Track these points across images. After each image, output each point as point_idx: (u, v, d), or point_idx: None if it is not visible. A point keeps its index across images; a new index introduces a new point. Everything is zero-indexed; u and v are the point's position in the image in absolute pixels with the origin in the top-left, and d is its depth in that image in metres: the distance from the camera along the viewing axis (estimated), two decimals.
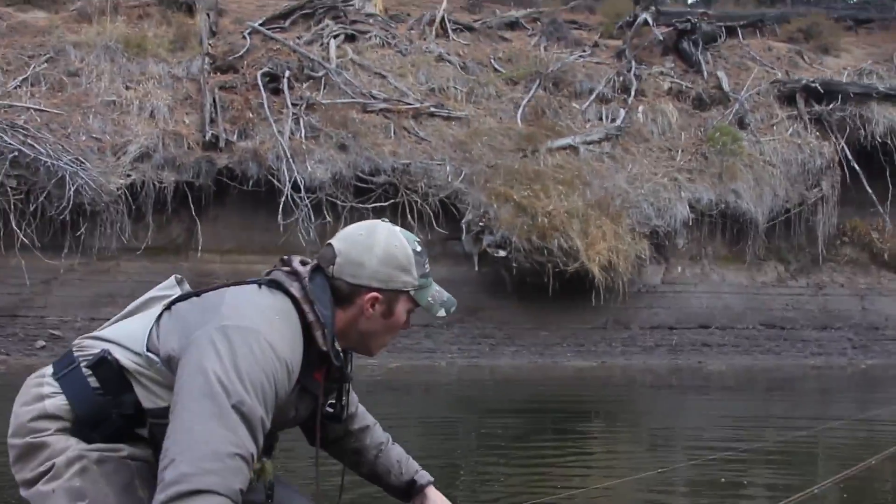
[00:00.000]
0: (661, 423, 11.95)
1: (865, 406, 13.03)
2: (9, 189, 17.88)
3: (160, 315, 3.28)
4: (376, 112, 20.92)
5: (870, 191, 22.73)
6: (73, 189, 17.80)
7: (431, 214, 19.29)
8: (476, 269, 19.19)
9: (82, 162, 18.22)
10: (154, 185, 18.78)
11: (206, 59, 21.02)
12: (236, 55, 21.46)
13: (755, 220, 21.42)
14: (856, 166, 22.73)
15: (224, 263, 18.76)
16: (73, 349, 3.28)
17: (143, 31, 21.82)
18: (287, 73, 20.89)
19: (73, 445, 3.10)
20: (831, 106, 23.23)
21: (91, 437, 3.13)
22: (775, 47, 26.24)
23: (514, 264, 18.81)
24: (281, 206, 18.62)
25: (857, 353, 19.97)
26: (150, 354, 3.15)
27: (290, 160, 19.06)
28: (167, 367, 3.09)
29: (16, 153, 17.89)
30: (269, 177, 19.06)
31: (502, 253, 18.76)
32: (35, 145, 18.06)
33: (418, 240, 3.48)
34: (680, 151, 22.16)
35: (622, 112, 22.59)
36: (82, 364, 3.19)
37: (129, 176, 18.70)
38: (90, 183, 18.00)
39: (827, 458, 9.13)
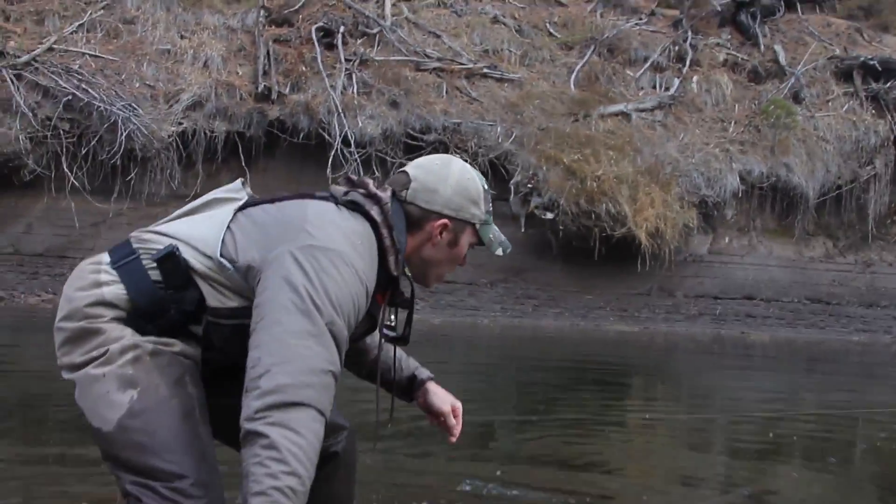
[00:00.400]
0: (700, 382, 11.92)
1: None
2: (62, 132, 18.09)
3: (231, 219, 3.24)
4: (429, 71, 20.93)
5: None
6: (124, 134, 17.98)
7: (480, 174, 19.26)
8: (522, 230, 19.16)
9: (135, 108, 18.36)
10: (205, 133, 18.92)
11: (262, 12, 21.05)
12: (292, 9, 21.47)
13: (805, 195, 21.29)
14: None
15: None
16: (132, 241, 3.23)
17: None
18: (342, 29, 20.90)
19: (129, 335, 3.08)
20: (889, 84, 22.97)
21: (145, 330, 3.12)
22: (834, 23, 25.92)
23: (560, 227, 18.80)
24: (330, 160, 18.67)
25: None
26: (223, 260, 3.12)
27: (342, 115, 19.11)
28: (243, 277, 3.09)
29: (70, 97, 18.10)
30: (320, 130, 19.14)
31: (550, 215, 18.75)
32: (89, 90, 18.24)
33: (485, 180, 3.50)
34: (733, 123, 22.02)
35: (676, 81, 22.46)
36: (143, 256, 3.16)
37: (180, 124, 18.84)
38: (142, 129, 18.16)
39: (864, 424, 9.08)
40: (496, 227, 3.53)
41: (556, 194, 18.85)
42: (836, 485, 5.93)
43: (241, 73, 19.98)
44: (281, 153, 19.47)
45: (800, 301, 20.57)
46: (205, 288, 3.12)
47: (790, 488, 5.45)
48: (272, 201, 3.30)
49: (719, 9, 24.65)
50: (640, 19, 24.43)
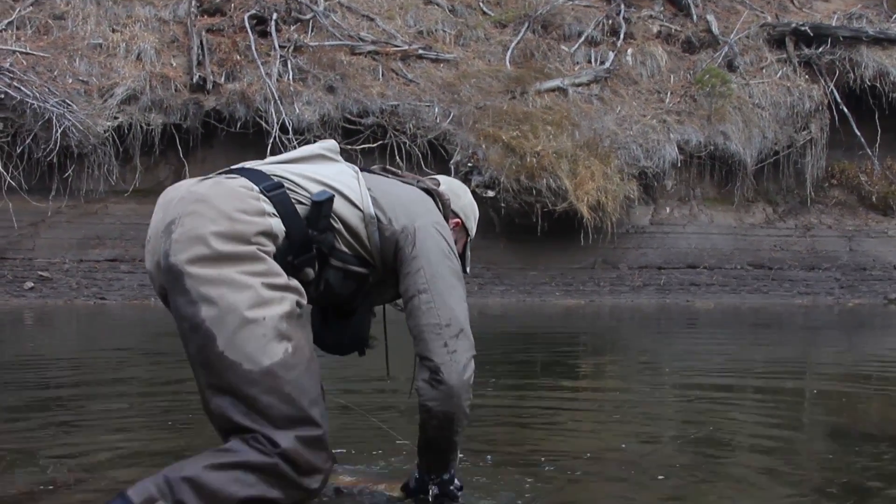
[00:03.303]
0: (646, 347, 11.99)
1: (852, 342, 13.16)
2: None
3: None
4: (364, 54, 20.90)
5: (858, 133, 22.77)
6: (59, 131, 17.79)
7: (420, 156, 19.33)
8: None
9: (69, 104, 18.18)
10: (141, 127, 18.78)
11: (193, 2, 20.89)
12: None
13: (744, 162, 21.52)
14: (844, 109, 22.77)
15: None
16: (267, 173, 3.45)
17: None
18: (274, 16, 20.80)
19: (285, 277, 3.28)
20: (821, 49, 23.23)
21: (284, 264, 3.32)
22: None
23: (502, 205, 18.86)
24: (269, 148, 18.55)
25: (843, 292, 20.08)
26: (375, 217, 3.52)
27: (278, 102, 19.05)
28: (392, 236, 3.53)
29: (2, 96, 17.87)
30: (258, 119, 19.08)
31: (491, 193, 18.79)
32: (21, 88, 18.01)
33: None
34: (669, 94, 22.18)
35: (611, 55, 22.58)
36: (290, 191, 3.39)
37: (116, 118, 18.68)
38: (77, 125, 17.98)
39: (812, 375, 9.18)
40: None
41: (497, 172, 18.91)
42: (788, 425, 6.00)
43: (175, 65, 19.84)
44: (219, 143, 19.38)
45: (742, 267, 20.78)
46: (340, 235, 3.48)
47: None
48: (379, 174, 3.81)
49: None
50: None
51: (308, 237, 3.35)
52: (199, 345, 3.15)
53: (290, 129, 18.82)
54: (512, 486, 4.24)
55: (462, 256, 3.94)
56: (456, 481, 3.81)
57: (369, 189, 3.55)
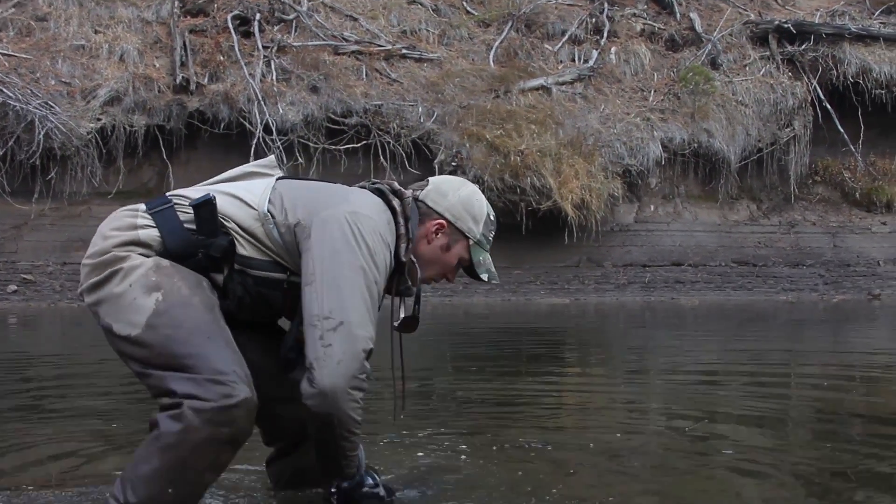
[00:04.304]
0: (633, 343, 11.99)
1: (837, 337, 13.18)
2: None
3: (273, 184, 3.53)
4: (348, 54, 20.89)
5: (842, 130, 22.86)
6: (42, 133, 17.74)
7: (404, 155, 19.34)
8: None
9: (52, 106, 18.13)
10: (125, 128, 18.76)
11: (176, 3, 20.84)
12: None
13: (727, 160, 21.58)
14: (828, 106, 22.86)
15: None
16: (168, 196, 3.48)
17: None
18: (258, 16, 20.78)
19: (152, 258, 3.34)
20: (804, 46, 23.33)
21: None
22: None
23: None
24: (253, 149, 18.53)
25: (828, 288, 20.15)
26: (268, 213, 3.41)
27: (262, 103, 19.03)
28: (287, 232, 3.40)
29: None
30: (241, 119, 19.06)
31: None
32: (3, 90, 17.97)
33: (494, 213, 3.82)
34: (652, 92, 22.23)
35: (594, 53, 22.60)
36: (177, 205, 3.40)
37: (99, 120, 18.64)
38: (60, 127, 17.93)
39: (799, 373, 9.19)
40: (490, 258, 3.75)
41: (481, 171, 18.92)
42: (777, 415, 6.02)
43: (158, 66, 19.81)
44: (202, 144, 19.35)
45: (727, 264, 20.85)
46: (238, 238, 3.41)
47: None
48: (309, 181, 3.78)
49: None
50: None
51: (191, 243, 3.37)
52: (111, 342, 3.32)
53: (273, 129, 18.80)
54: (504, 476, 4.24)
55: (472, 264, 3.70)
56: (369, 480, 3.52)
57: (274, 189, 3.48)
